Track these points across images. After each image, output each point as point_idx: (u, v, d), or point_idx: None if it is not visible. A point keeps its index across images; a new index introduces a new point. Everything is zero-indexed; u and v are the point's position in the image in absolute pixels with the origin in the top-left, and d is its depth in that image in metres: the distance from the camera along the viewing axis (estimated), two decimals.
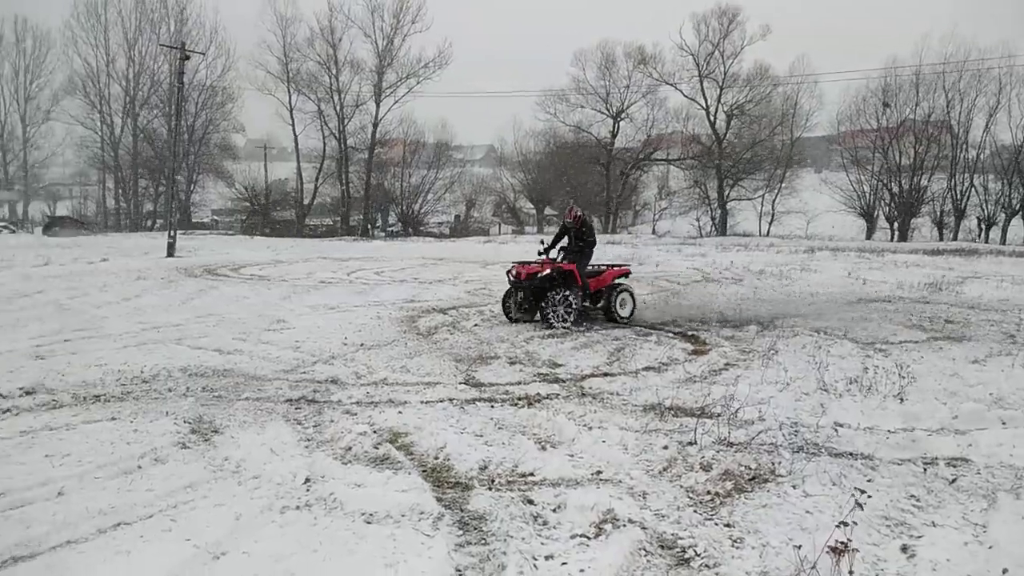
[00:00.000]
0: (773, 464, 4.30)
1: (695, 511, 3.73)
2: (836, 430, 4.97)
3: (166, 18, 52.05)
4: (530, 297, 9.90)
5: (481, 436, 4.93)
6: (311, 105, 50.66)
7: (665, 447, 4.65)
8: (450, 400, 5.84)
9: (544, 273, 9.70)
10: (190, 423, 5.16)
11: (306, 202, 52.22)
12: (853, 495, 3.37)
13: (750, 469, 4.23)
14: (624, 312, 10.20)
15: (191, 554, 3.24)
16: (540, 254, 10.16)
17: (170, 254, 24.08)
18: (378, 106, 50.30)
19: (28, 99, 58.97)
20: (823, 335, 8.76)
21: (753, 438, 4.76)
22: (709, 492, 3.95)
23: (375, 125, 50.37)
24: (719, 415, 5.27)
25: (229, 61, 51.67)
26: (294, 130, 51.31)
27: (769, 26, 46.78)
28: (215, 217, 59.48)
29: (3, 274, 16.05)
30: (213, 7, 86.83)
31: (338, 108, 50.25)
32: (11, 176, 61.32)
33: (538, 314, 9.74)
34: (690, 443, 4.69)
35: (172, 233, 25.05)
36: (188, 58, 28.72)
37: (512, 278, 10.01)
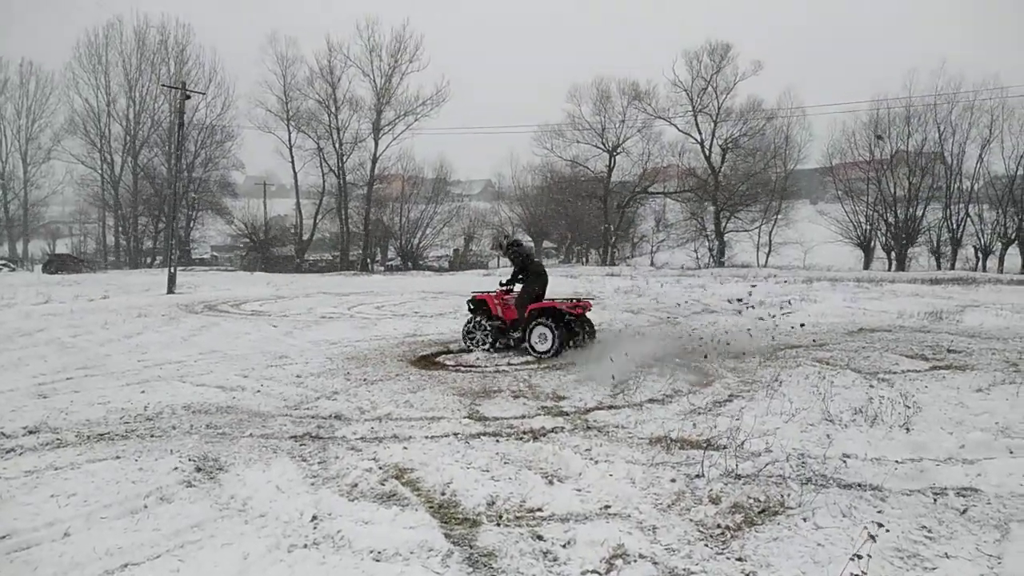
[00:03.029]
0: (782, 496, 4.27)
1: (706, 545, 3.70)
2: (844, 461, 4.94)
3: (166, 59, 53.24)
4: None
5: (487, 471, 4.90)
6: (311, 143, 51.52)
7: (673, 480, 4.62)
8: (455, 435, 5.81)
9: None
10: (195, 461, 5.13)
11: (305, 237, 52.55)
12: (866, 527, 3.35)
13: (759, 502, 4.20)
14: (541, 347, 9.88)
15: None
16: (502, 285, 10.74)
17: (171, 291, 24.12)
18: (377, 143, 51.10)
19: (30, 139, 59.83)
20: (826, 365, 8.76)
21: (761, 470, 4.74)
22: (719, 526, 3.92)
23: (374, 161, 51.02)
24: (725, 447, 5.25)
25: (229, 100, 52.89)
26: (293, 167, 52.02)
27: (761, 62, 47.88)
28: (215, 253, 59.88)
29: (4, 313, 16.07)
30: (212, 47, 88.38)
31: (337, 145, 50.97)
32: (11, 215, 61.68)
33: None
34: (697, 476, 4.66)
35: (172, 270, 25.11)
36: (189, 97, 29.20)
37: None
